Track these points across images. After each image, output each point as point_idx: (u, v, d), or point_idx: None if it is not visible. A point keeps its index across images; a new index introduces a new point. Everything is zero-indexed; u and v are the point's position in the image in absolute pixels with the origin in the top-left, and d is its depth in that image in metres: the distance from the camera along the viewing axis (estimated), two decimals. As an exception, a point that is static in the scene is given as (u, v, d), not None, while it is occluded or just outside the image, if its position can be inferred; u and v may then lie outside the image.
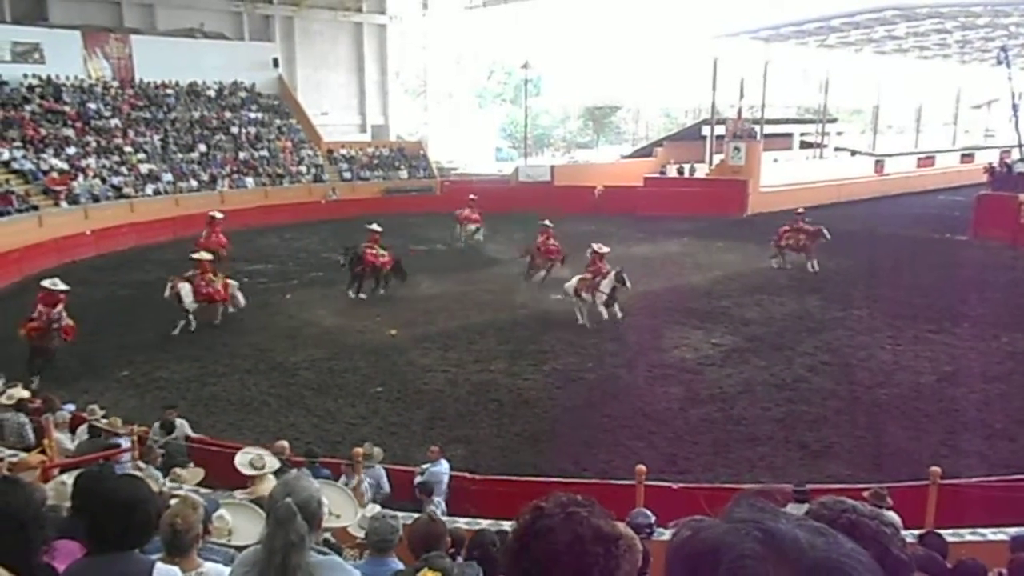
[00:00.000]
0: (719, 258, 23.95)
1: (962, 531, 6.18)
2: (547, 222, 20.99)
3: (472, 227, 28.03)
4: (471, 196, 29.42)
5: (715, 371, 13.65)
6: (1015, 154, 32.58)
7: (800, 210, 23.43)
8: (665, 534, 6.02)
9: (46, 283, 14.15)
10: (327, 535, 4.54)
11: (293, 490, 2.53)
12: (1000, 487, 7.97)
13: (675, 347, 15.03)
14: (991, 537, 6.05)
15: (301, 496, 2.49)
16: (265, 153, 36.56)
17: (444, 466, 8.76)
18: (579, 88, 64.83)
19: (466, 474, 9.02)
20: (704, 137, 41.80)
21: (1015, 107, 32.74)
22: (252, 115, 38.05)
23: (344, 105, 44.78)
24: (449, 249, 26.86)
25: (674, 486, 8.23)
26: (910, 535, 6.09)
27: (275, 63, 39.99)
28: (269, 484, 7.83)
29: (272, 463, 7.85)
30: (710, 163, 39.26)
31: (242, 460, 7.87)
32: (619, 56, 60.86)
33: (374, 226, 20.25)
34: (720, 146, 37.97)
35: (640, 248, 26.04)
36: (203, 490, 7.23)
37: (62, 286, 14.00)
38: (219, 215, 23.87)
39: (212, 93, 37.71)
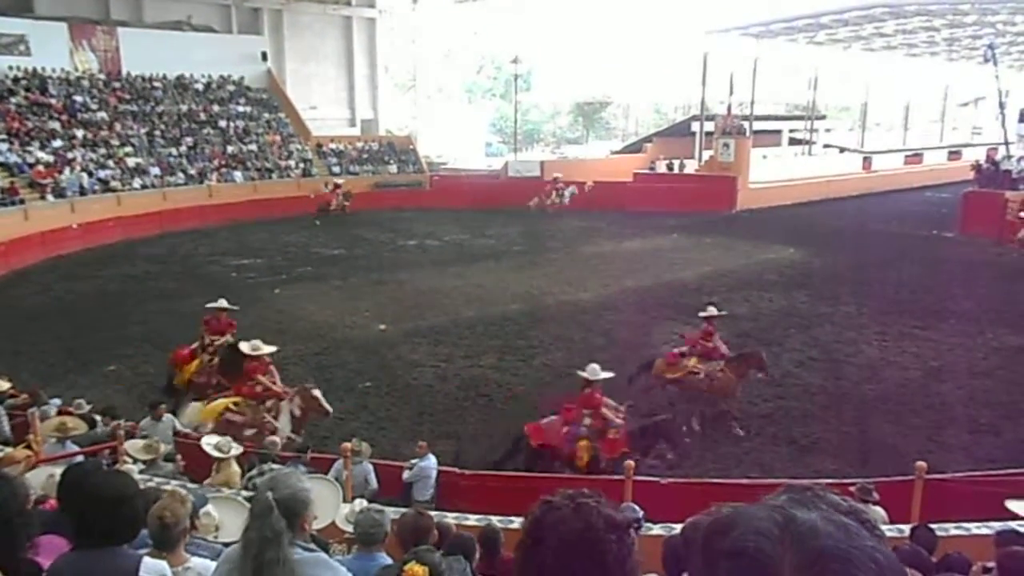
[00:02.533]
0: (708, 254, 24.02)
1: (947, 525, 6.23)
2: (713, 309, 12.39)
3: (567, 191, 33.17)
4: (555, 175, 35.30)
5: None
6: (1002, 151, 32.82)
7: None
8: (654, 529, 6.05)
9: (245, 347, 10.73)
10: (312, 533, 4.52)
11: (276, 486, 2.51)
12: (985, 482, 8.04)
13: (664, 342, 15.02)
14: (976, 531, 6.10)
15: (283, 492, 2.47)
16: (253, 147, 36.38)
17: (432, 461, 8.76)
18: (569, 83, 64.88)
19: (455, 469, 9.02)
20: (694, 133, 41.84)
21: (1002, 104, 33.02)
22: (240, 109, 37.83)
23: (333, 99, 44.61)
24: (440, 244, 26.83)
25: (662, 481, 8.26)
26: (896, 529, 6.14)
27: (264, 56, 39.77)
28: (234, 469, 8.07)
29: (236, 448, 8.13)
30: (699, 159, 39.34)
31: (208, 443, 8.17)
32: (609, 52, 60.88)
33: None
34: (709, 142, 38.04)
35: (629, 244, 26.10)
36: (190, 484, 7.21)
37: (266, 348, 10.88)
38: (339, 180, 33.84)
39: (200, 86, 37.46)
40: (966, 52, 45.27)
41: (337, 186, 33.31)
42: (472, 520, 6.49)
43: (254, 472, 8.04)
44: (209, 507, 4.55)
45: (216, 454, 8.21)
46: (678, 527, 5.12)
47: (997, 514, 6.59)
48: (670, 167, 39.85)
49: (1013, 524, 6.01)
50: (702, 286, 19.75)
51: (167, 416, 9.63)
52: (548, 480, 8.15)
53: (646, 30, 58.31)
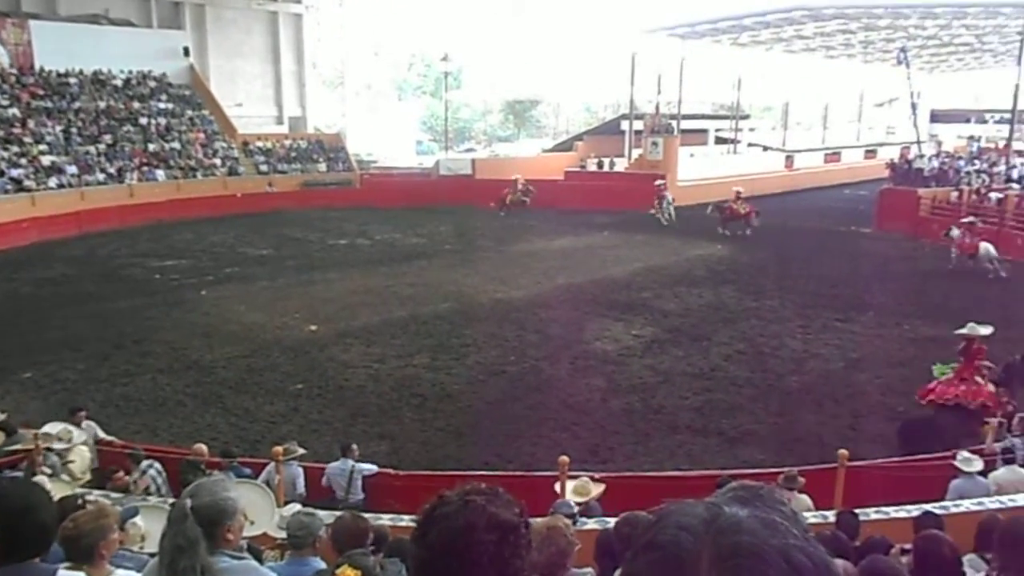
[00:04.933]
0: (638, 251, 24.38)
1: (867, 510, 6.47)
2: None
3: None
4: (658, 181, 31.51)
5: (636, 362, 13.91)
6: (914, 150, 34.26)
7: None
8: (588, 523, 6.11)
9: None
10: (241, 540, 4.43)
11: (197, 493, 2.45)
12: (902, 467, 8.39)
13: (597, 339, 15.24)
14: (894, 515, 6.36)
15: (203, 500, 2.42)
16: (176, 145, 35.33)
17: (339, 464, 8.55)
18: (500, 82, 64.96)
19: (389, 470, 8.94)
20: (623, 132, 42.43)
21: (914, 105, 34.46)
22: (162, 105, 36.70)
23: (259, 96, 43.66)
24: (371, 243, 26.54)
25: (596, 476, 8.35)
26: (820, 516, 6.35)
27: (186, 52, 38.65)
28: (81, 456, 7.99)
29: (79, 435, 8.04)
30: (629, 157, 39.88)
31: (51, 430, 8.09)
32: (539, 50, 61.22)
33: None
34: (639, 141, 38.60)
35: (561, 241, 26.30)
36: (114, 495, 6.98)
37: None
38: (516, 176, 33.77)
39: (119, 82, 36.19)
40: (880, 55, 47.03)
41: (516, 180, 33.56)
42: (407, 521, 6.44)
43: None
44: (137, 518, 4.42)
45: (58, 445, 8.12)
46: (612, 521, 5.19)
47: (914, 497, 6.90)
48: (600, 165, 40.30)
49: (928, 507, 6.30)
50: (633, 282, 20.05)
51: (87, 423, 9.29)
52: (484, 478, 8.13)
53: (576, 30, 58.90)
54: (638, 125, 39.72)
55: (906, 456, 8.62)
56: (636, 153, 38.66)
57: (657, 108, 38.79)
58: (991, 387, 9.81)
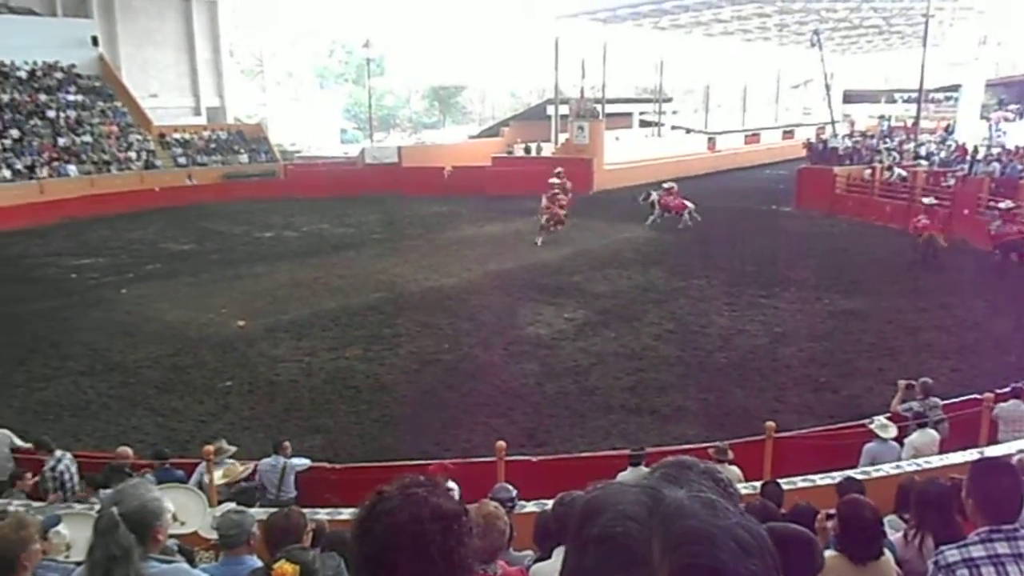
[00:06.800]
0: (567, 235, 24.55)
1: (795, 479, 6.70)
2: None
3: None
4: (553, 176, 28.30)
5: (569, 345, 14.04)
6: (829, 130, 35.40)
7: None
8: (528, 507, 6.17)
9: None
10: (172, 542, 4.31)
11: (123, 499, 2.38)
12: (826, 436, 8.72)
13: (529, 324, 15.33)
14: (819, 482, 6.60)
15: (130, 505, 2.34)
16: (88, 139, 33.91)
17: (267, 461, 8.42)
18: (423, 68, 64.34)
19: (325, 464, 8.84)
20: (549, 117, 42.60)
21: (827, 87, 35.59)
22: (71, 97, 35.13)
23: (175, 86, 42.23)
24: (298, 235, 26.05)
25: (533, 459, 8.42)
26: (749, 487, 6.54)
27: (94, 41, 37.06)
28: None
29: None
30: (556, 142, 40.08)
31: None
32: (463, 36, 60.84)
33: None
34: (564, 125, 38.82)
35: (491, 227, 26.31)
36: (35, 504, 6.72)
37: None
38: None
39: (23, 74, 34.48)
40: (795, 37, 48.37)
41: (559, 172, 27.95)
42: (346, 515, 6.38)
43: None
44: (60, 526, 4.26)
45: None
46: (550, 503, 5.24)
47: (838, 464, 7.17)
48: (527, 150, 40.40)
49: (851, 472, 6.56)
50: (563, 266, 20.21)
51: (2, 432, 8.90)
52: (421, 467, 8.10)
53: (498, 14, 58.71)
54: (564, 110, 39.93)
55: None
56: (563, 138, 38.88)
57: (582, 92, 39.06)
58: None
